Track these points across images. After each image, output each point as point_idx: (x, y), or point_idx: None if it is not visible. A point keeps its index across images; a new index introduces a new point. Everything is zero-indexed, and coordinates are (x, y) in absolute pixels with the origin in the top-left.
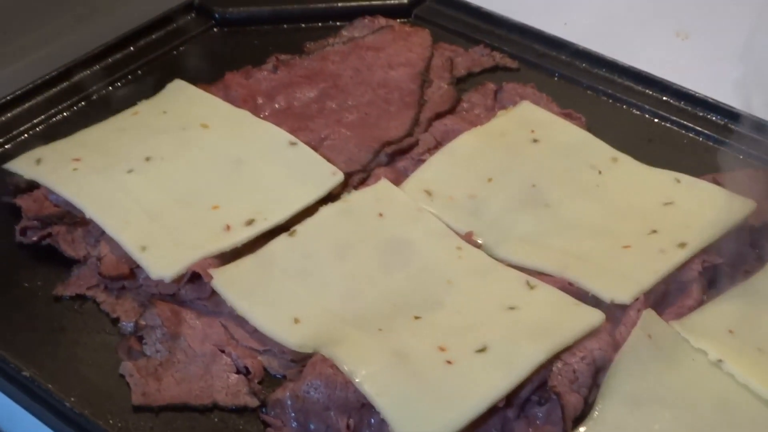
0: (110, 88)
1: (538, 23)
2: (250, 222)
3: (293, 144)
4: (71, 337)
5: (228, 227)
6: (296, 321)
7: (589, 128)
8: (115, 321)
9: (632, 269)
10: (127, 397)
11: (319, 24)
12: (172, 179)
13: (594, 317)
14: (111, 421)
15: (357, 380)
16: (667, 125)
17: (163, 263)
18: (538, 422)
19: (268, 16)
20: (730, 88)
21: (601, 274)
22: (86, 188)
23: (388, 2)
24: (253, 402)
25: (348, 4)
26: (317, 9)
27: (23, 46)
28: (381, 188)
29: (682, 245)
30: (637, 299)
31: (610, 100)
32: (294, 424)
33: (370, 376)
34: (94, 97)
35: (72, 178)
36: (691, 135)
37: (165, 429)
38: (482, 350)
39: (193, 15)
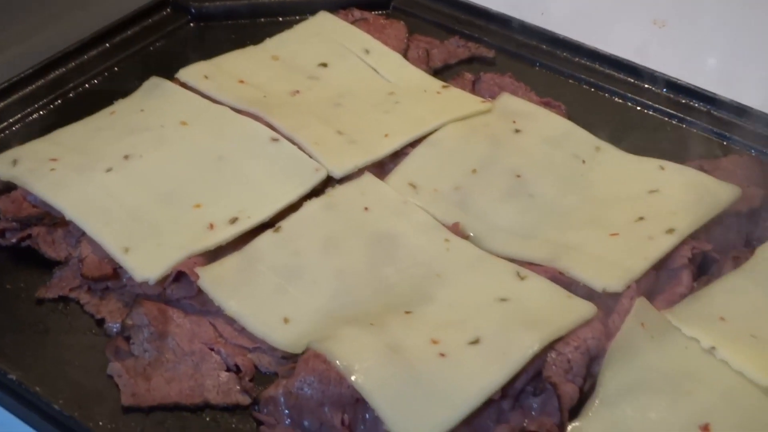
0: (86, 85)
1: (516, 13)
2: (233, 220)
3: (275, 140)
4: (57, 339)
5: (211, 226)
6: (286, 321)
7: (571, 117)
8: (101, 322)
9: (622, 257)
10: (116, 398)
11: (297, 17)
12: (153, 178)
13: (586, 310)
14: (101, 423)
15: (351, 376)
16: (650, 113)
17: (147, 265)
18: (533, 413)
19: (244, 10)
20: (707, 74)
21: (591, 263)
22: (65, 189)
23: None
24: (245, 400)
25: None
26: (295, 2)
27: None
28: (365, 182)
29: (670, 231)
30: (629, 287)
31: (592, 89)
32: (287, 422)
33: (364, 371)
34: (71, 95)
35: (50, 178)
36: (674, 122)
37: (156, 429)
38: (475, 342)
39: (168, 10)
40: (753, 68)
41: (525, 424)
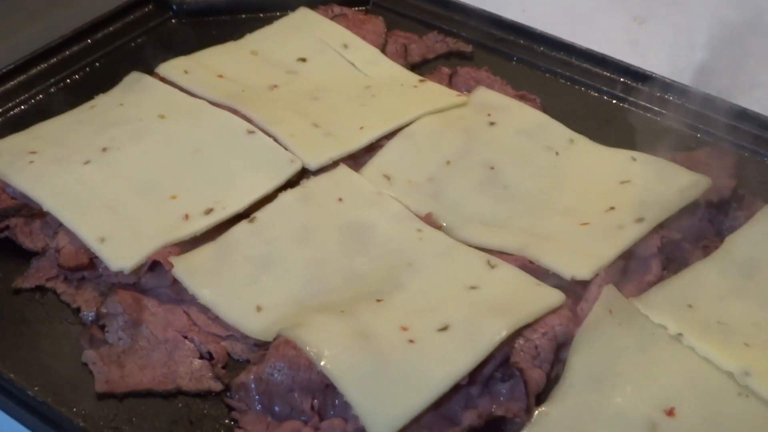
0: (68, 80)
1: (496, 9)
2: (208, 211)
3: (251, 132)
4: (33, 328)
5: (187, 216)
6: (259, 309)
7: (547, 110)
8: (77, 311)
9: (591, 245)
10: (90, 385)
11: (278, 13)
12: (130, 170)
13: (555, 297)
14: (75, 409)
15: (321, 362)
16: (625, 106)
17: (122, 254)
18: (501, 398)
19: (225, 6)
20: (686, 69)
21: (560, 252)
22: (43, 180)
23: None
24: (216, 386)
25: None
26: None
27: None
28: (340, 174)
29: (640, 220)
30: (597, 275)
31: (568, 83)
32: (258, 407)
33: (333, 357)
34: (52, 90)
35: (28, 170)
36: (648, 115)
37: (129, 415)
38: (444, 329)
39: (150, 7)
40: (731, 63)
41: (493, 410)
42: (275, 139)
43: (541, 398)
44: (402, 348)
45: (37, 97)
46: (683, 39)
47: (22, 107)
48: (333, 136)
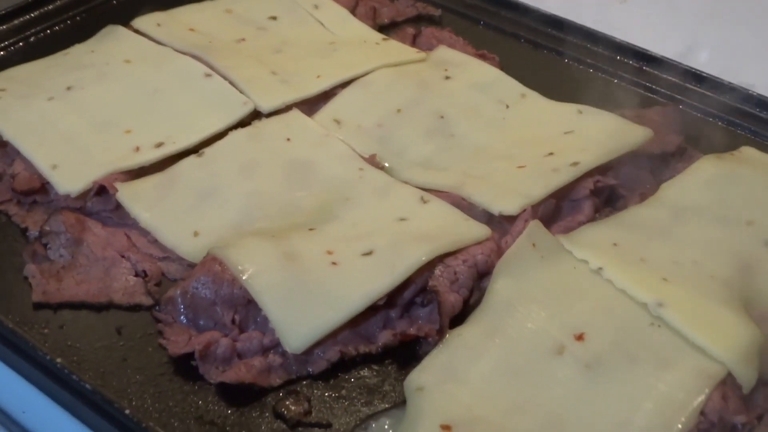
0: (48, 32)
1: None
2: (159, 144)
3: (208, 76)
4: None
5: (138, 149)
6: (196, 234)
7: (505, 69)
8: (25, 231)
9: (523, 185)
10: (29, 297)
11: None
12: (90, 107)
13: (480, 231)
14: (10, 316)
15: (243, 277)
16: (582, 67)
17: (71, 179)
18: (420, 321)
19: None
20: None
21: (492, 190)
22: (6, 113)
23: None
24: (147, 301)
25: None
26: None
27: None
28: (291, 116)
29: (575, 164)
30: (524, 211)
31: (530, 45)
32: (183, 320)
33: (256, 273)
34: (32, 40)
35: None
36: (604, 76)
37: (60, 323)
38: (368, 254)
39: None
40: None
41: (408, 330)
42: (232, 83)
43: (460, 323)
44: (324, 269)
45: (17, 45)
46: (665, 16)
47: (2, 53)
48: (289, 83)
